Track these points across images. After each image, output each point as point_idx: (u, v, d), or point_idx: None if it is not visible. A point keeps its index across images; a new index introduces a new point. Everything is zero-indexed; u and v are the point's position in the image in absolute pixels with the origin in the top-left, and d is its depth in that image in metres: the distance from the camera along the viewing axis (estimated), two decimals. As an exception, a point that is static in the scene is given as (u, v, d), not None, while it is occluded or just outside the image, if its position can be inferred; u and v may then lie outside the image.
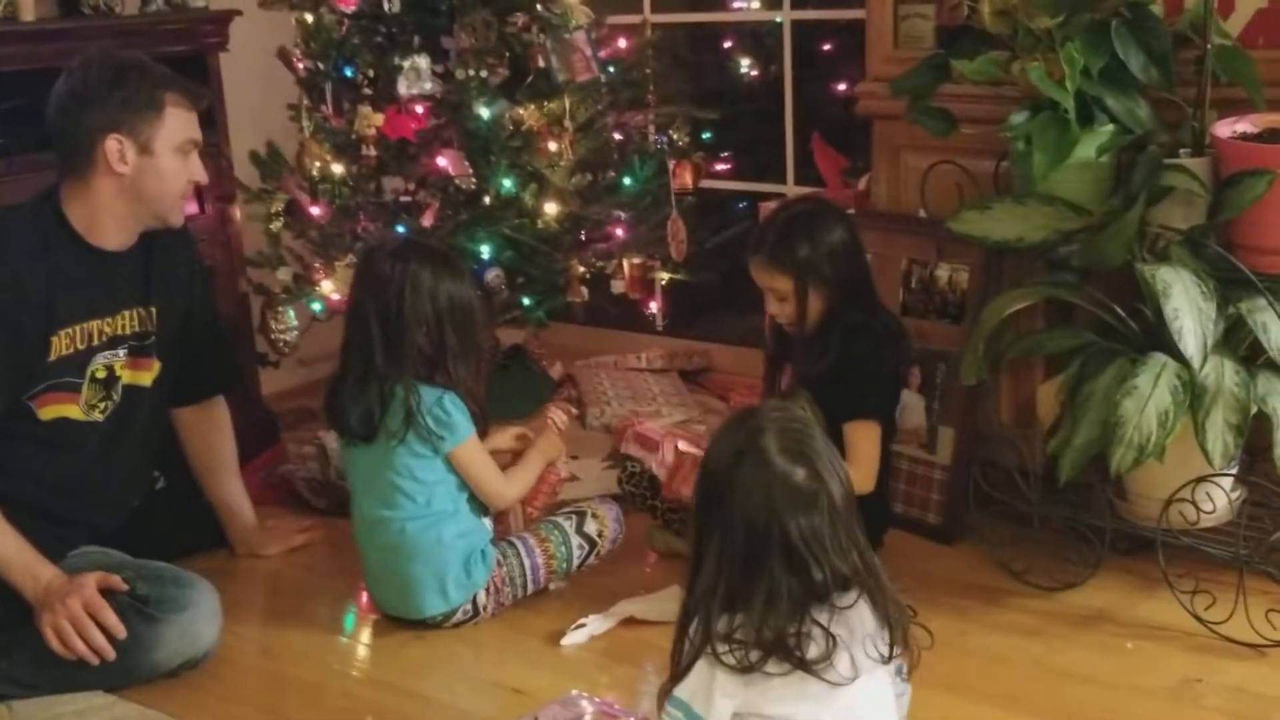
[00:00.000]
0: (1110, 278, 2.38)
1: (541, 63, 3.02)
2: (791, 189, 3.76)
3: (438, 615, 2.39)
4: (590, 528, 2.50)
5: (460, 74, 2.99)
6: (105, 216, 2.36)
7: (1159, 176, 2.22)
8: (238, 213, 3.24)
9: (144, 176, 2.34)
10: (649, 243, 3.22)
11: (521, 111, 3.02)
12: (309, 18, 3.11)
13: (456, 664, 2.35)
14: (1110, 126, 2.27)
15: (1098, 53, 2.21)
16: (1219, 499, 2.29)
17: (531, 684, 2.25)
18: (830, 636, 1.58)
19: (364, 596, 2.55)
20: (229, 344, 2.84)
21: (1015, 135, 2.25)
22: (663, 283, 3.35)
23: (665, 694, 1.66)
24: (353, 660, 2.41)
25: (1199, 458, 2.20)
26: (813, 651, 1.58)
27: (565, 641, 2.35)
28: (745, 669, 1.59)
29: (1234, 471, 2.32)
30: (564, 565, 2.48)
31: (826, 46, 3.82)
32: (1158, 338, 2.23)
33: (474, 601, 2.40)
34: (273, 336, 3.27)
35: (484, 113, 2.99)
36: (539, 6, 3.05)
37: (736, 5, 3.91)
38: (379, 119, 2.96)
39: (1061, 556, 2.49)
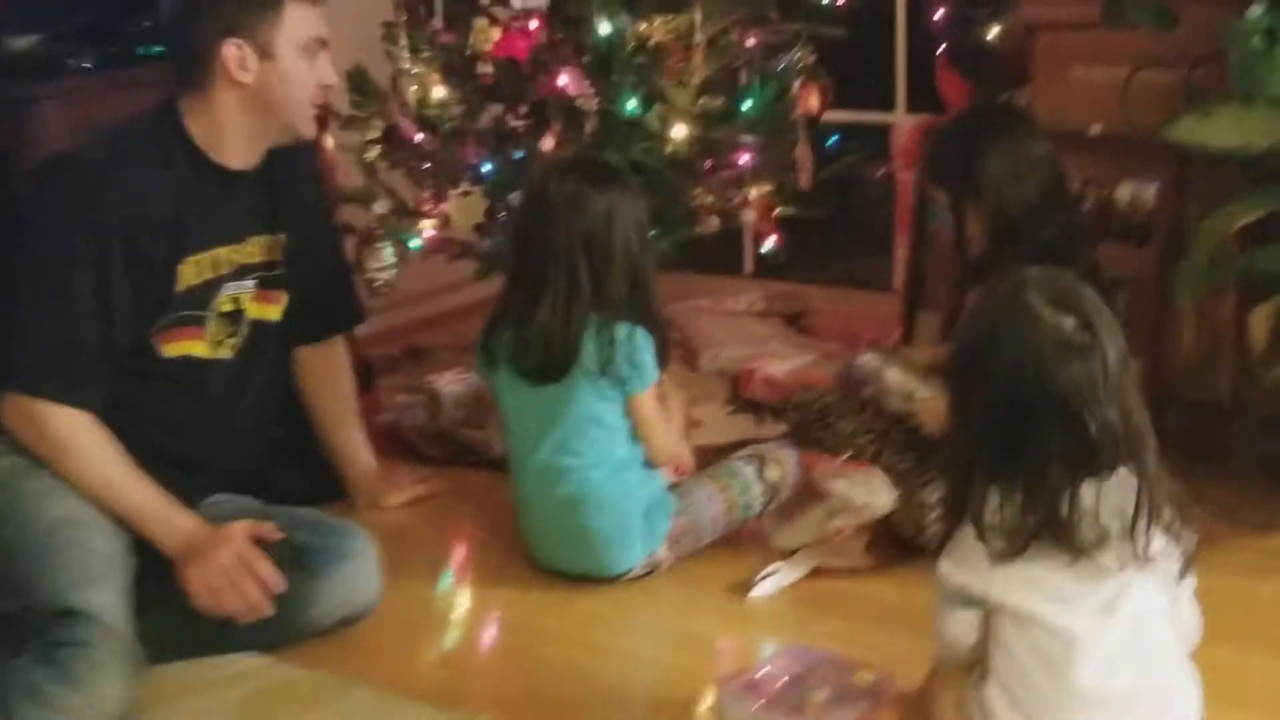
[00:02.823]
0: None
1: (668, -28, 2.79)
2: (901, 118, 3.56)
3: (621, 571, 2.18)
4: (772, 474, 2.29)
5: (581, -15, 2.76)
6: (229, 131, 2.13)
7: None
8: (330, 142, 2.99)
9: (268, 83, 2.10)
10: (775, 170, 3.00)
11: (645, 26, 2.79)
12: (409, -73, 2.86)
13: (636, 616, 2.16)
14: (1353, 20, 2.08)
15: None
16: None
17: (723, 636, 2.07)
18: (1098, 520, 1.45)
19: (522, 550, 2.33)
20: (352, 277, 2.61)
21: (1254, 29, 2.06)
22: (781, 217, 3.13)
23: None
24: (517, 613, 2.20)
25: None
26: (1084, 533, 1.44)
27: (754, 593, 2.16)
28: (1007, 555, 1.46)
29: None
30: (744, 514, 2.28)
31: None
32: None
33: (652, 553, 2.20)
34: (369, 276, 3.03)
35: (605, 27, 2.76)
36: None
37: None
38: (496, 33, 2.72)
39: (1264, 493, 2.32)
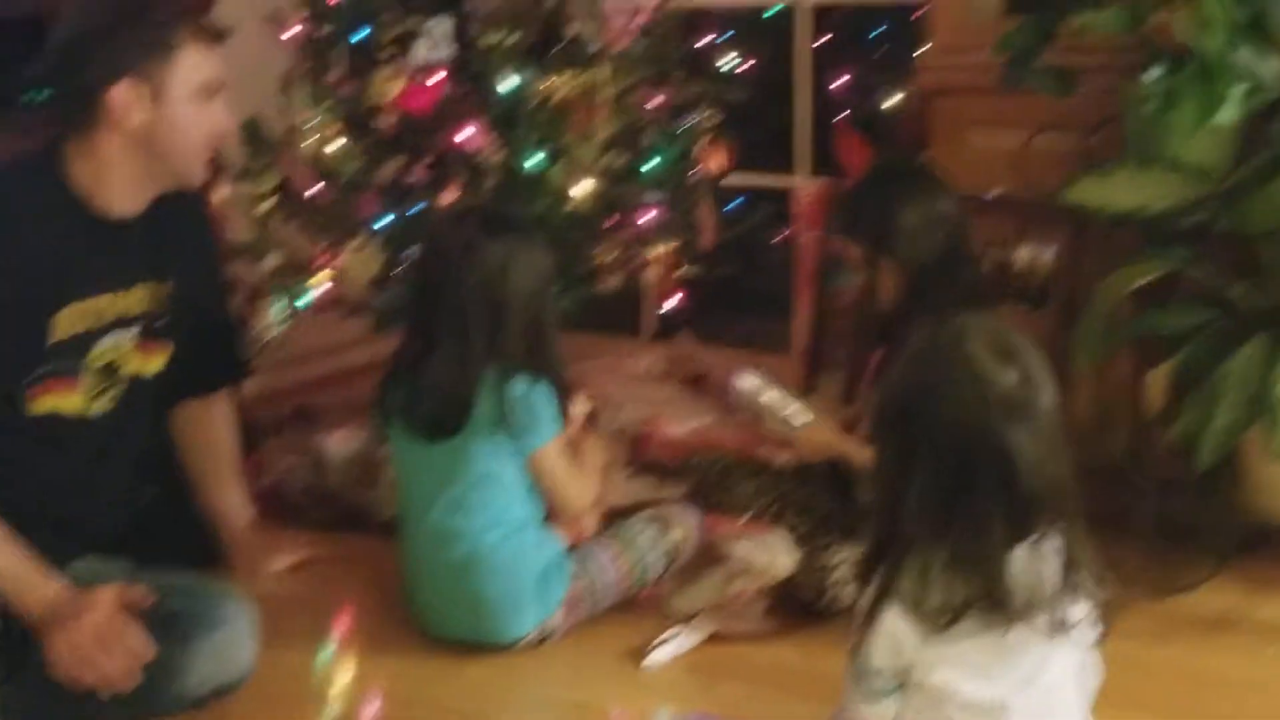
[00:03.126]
0: (1224, 251, 2.23)
1: (573, 29, 2.77)
2: (803, 182, 3.57)
3: (514, 638, 2.10)
4: (673, 536, 2.22)
5: (485, 40, 2.72)
6: (114, 177, 2.03)
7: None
8: (222, 193, 2.90)
9: (159, 128, 2.01)
10: (677, 230, 2.97)
11: (549, 82, 2.76)
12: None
13: (525, 685, 2.07)
14: (1243, 85, 2.11)
15: (1240, 4, 2.05)
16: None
17: (618, 704, 1.98)
18: (1029, 586, 1.40)
19: (409, 618, 2.24)
20: (238, 331, 2.51)
21: (1150, 93, 2.08)
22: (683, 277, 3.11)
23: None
24: (401, 683, 2.08)
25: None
26: (1016, 601, 1.39)
27: (650, 660, 2.09)
28: (940, 628, 1.40)
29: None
30: (644, 577, 2.21)
31: (830, 34, 3.66)
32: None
33: (547, 619, 2.12)
34: (255, 332, 2.93)
35: (509, 82, 2.73)
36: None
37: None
38: (398, 85, 2.67)
39: (1161, 557, 2.31)
